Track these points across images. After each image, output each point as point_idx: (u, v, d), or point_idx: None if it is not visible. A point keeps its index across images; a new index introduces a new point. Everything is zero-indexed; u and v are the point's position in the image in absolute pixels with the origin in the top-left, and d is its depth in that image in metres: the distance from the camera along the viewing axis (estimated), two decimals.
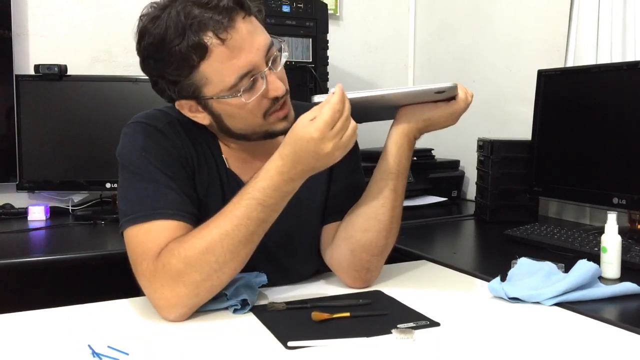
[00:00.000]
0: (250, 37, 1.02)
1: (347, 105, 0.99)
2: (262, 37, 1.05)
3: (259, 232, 1.02)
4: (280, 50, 1.08)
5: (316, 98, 1.08)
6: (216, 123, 1.10)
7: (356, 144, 1.29)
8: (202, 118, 1.10)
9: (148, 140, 1.10)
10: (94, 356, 0.87)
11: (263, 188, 1.00)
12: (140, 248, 1.03)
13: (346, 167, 1.25)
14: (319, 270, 1.28)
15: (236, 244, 1.00)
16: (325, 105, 0.97)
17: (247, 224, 1.00)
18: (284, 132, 1.08)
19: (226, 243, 0.99)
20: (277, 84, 1.05)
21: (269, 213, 1.01)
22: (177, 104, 1.09)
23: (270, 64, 1.05)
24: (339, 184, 1.24)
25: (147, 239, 1.03)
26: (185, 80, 1.03)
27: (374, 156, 1.24)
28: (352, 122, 1.00)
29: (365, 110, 1.21)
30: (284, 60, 1.09)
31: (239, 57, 1.01)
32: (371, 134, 1.69)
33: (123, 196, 1.09)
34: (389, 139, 1.15)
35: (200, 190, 1.13)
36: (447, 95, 1.11)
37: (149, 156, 1.08)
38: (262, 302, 1.10)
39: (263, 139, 1.13)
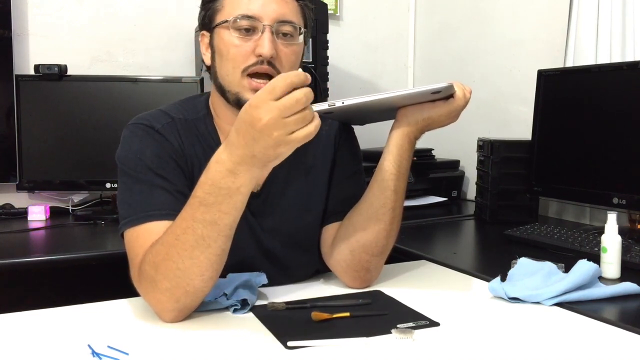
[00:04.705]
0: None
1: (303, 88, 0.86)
2: (284, 9, 1.09)
3: (213, 236, 0.94)
4: (295, 35, 1.11)
5: (314, 107, 1.08)
6: (212, 64, 1.14)
7: (357, 145, 1.30)
8: (208, 57, 1.16)
9: (144, 142, 1.11)
10: (94, 356, 0.87)
11: (202, 183, 0.93)
12: (133, 252, 1.04)
13: (347, 168, 1.25)
14: (319, 270, 1.28)
15: (189, 249, 0.94)
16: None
17: (193, 227, 0.93)
18: None
19: (180, 248, 0.94)
20: (266, 43, 1.07)
21: (215, 214, 0.92)
22: (200, 36, 1.17)
23: (274, 29, 1.07)
24: (340, 185, 1.24)
25: (137, 244, 1.03)
26: (210, 4, 1.13)
27: (374, 156, 1.24)
28: (316, 119, 0.89)
29: (364, 113, 1.21)
30: (294, 45, 1.11)
31: (251, 2, 1.08)
32: (371, 134, 1.69)
33: (120, 199, 1.10)
34: (390, 139, 1.15)
35: None
36: (445, 94, 1.11)
37: (144, 158, 1.09)
38: (262, 302, 1.10)
39: (237, 107, 1.08)
